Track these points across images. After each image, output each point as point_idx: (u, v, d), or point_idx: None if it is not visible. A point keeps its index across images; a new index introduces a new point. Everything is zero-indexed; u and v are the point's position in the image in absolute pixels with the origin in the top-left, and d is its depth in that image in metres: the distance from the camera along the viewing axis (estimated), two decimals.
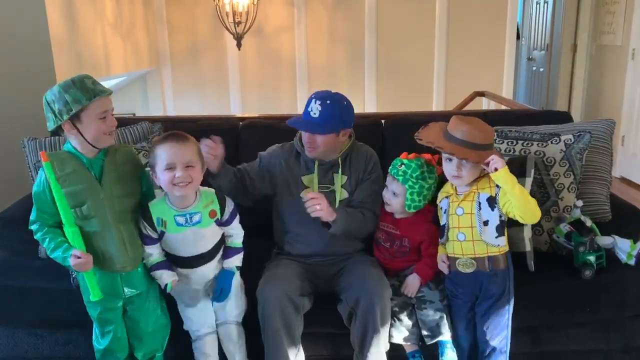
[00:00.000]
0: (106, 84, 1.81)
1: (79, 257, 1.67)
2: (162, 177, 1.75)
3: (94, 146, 1.74)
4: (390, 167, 2.06)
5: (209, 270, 1.92)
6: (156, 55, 5.43)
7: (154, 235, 1.84)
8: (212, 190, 1.89)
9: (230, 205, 1.89)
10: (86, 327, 1.96)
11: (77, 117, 1.69)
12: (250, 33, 4.99)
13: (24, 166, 2.34)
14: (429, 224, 2.07)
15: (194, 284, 1.92)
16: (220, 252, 1.94)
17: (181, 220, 1.81)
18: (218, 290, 1.90)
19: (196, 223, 1.82)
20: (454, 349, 1.94)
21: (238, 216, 1.93)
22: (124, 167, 1.82)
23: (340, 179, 2.09)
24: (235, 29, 4.84)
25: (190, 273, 1.90)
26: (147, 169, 1.84)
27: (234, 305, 1.97)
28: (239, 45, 4.96)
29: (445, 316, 1.94)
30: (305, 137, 2.02)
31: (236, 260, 1.95)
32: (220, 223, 1.88)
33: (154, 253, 1.86)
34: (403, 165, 2.01)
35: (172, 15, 5.42)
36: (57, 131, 1.75)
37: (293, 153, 2.14)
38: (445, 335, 1.93)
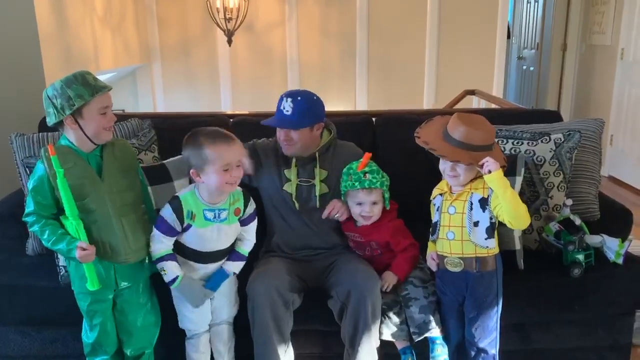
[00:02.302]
0: None
1: (84, 249, 1.69)
2: (217, 177, 1.76)
3: (92, 142, 1.77)
4: (352, 184, 2.01)
5: (212, 269, 1.93)
6: (146, 50, 5.39)
7: (178, 228, 1.83)
8: (239, 188, 1.91)
9: (251, 206, 1.93)
10: (74, 325, 1.96)
11: (79, 113, 1.72)
12: (241, 29, 4.97)
13: (11, 163, 2.31)
14: (392, 221, 2.07)
15: (199, 280, 1.92)
16: (225, 254, 1.96)
17: (210, 215, 1.83)
18: (208, 282, 1.90)
19: (223, 220, 1.85)
20: (445, 344, 1.95)
21: (256, 222, 1.96)
22: (123, 161, 1.85)
23: (319, 173, 2.12)
24: (226, 25, 4.81)
25: (200, 269, 1.91)
26: (192, 170, 1.80)
27: (230, 305, 1.98)
28: (229, 41, 4.94)
29: (432, 313, 1.95)
30: (282, 135, 2.07)
31: (236, 267, 1.96)
32: (241, 222, 1.91)
33: (165, 243, 1.85)
34: (367, 174, 2.01)
35: (162, 10, 5.39)
36: (56, 126, 1.77)
37: (274, 148, 2.20)
38: (434, 332, 1.93)
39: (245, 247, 1.98)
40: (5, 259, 2.23)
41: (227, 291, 1.97)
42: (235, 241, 1.95)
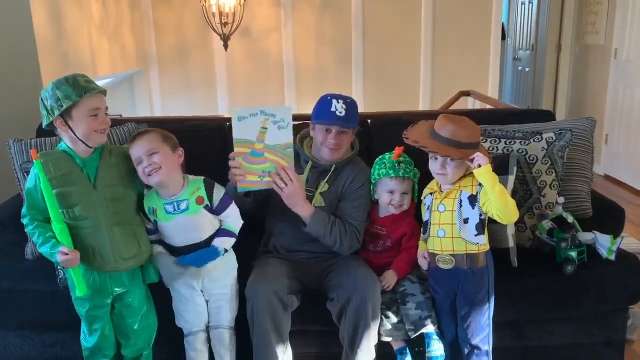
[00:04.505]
0: None
1: (66, 254, 1.69)
2: (139, 172, 1.84)
3: (86, 144, 1.77)
4: (386, 172, 2.05)
5: (205, 268, 1.92)
6: (143, 56, 5.41)
7: (149, 226, 1.92)
8: (201, 178, 1.93)
9: (219, 192, 1.91)
10: (74, 328, 1.97)
11: (68, 114, 1.73)
12: (237, 34, 5.00)
13: (10, 168, 2.33)
14: (411, 217, 2.11)
15: (189, 277, 1.93)
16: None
17: (170, 208, 1.87)
18: (188, 256, 1.87)
19: (184, 210, 1.87)
20: (440, 340, 1.96)
21: (234, 206, 1.94)
22: (119, 169, 1.86)
23: (322, 186, 2.12)
24: (222, 29, 4.84)
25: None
26: None
27: (229, 309, 1.99)
28: (226, 46, 4.96)
29: (428, 309, 1.96)
30: (332, 138, 2.05)
31: (224, 242, 1.92)
32: (213, 211, 1.91)
33: (151, 238, 1.96)
34: (402, 164, 2.05)
35: (159, 16, 5.41)
36: (52, 129, 1.79)
37: (296, 153, 2.17)
38: (429, 328, 1.95)
39: (233, 225, 1.94)
40: (4, 263, 2.23)
41: (226, 295, 1.98)
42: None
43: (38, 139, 2.32)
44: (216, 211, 1.91)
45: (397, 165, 2.05)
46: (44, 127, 1.79)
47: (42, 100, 1.75)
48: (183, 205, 1.87)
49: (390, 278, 2.03)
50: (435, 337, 1.96)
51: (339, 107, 2.02)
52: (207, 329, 2.01)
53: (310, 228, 2.04)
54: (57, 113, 1.71)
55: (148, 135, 1.85)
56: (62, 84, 1.72)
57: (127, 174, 1.88)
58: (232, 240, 1.95)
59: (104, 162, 1.82)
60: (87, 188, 1.77)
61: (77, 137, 1.76)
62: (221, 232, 1.94)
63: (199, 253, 1.88)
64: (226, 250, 1.94)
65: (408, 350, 2.00)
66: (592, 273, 2.10)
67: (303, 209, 2.02)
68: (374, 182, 2.11)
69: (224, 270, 1.99)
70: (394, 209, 2.09)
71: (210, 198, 1.89)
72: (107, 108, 1.82)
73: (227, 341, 1.99)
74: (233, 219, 1.95)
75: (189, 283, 1.95)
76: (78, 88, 1.72)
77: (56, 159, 1.76)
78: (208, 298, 1.98)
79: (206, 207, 1.89)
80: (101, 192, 1.79)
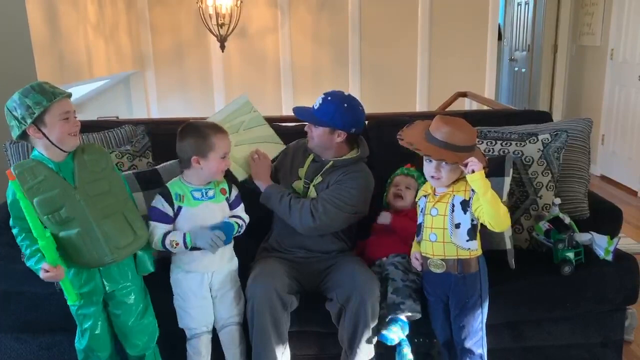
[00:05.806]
0: (89, 87, 1.84)
1: (47, 271, 1.70)
2: (216, 163, 1.92)
3: (60, 149, 1.76)
4: (397, 173, 2.28)
5: (216, 260, 1.95)
6: (139, 57, 5.40)
7: (170, 213, 1.92)
8: None
9: (235, 189, 2.05)
10: (70, 331, 1.96)
11: (40, 120, 1.71)
12: (234, 35, 4.99)
13: (5, 170, 2.32)
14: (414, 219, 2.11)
15: (198, 271, 1.95)
16: (229, 247, 2.01)
17: (197, 194, 1.95)
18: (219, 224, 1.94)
19: (211, 197, 1.96)
20: (403, 329, 1.94)
21: (243, 205, 2.06)
22: (94, 165, 1.84)
23: (316, 178, 2.14)
24: (218, 30, 4.84)
25: (204, 257, 1.93)
26: (194, 157, 1.90)
27: (235, 304, 2.00)
28: (222, 47, 4.96)
29: (403, 296, 1.96)
30: (306, 126, 2.14)
31: (235, 219, 2.00)
32: (229, 204, 2.01)
33: (162, 228, 1.91)
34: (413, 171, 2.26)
35: (155, 17, 5.40)
36: (22, 140, 1.77)
37: (302, 147, 2.24)
38: (400, 315, 1.94)
39: (242, 215, 2.04)
40: (0, 265, 2.23)
41: (232, 289, 2.00)
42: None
43: None
44: (232, 205, 2.02)
45: (404, 168, 2.27)
46: (14, 138, 1.76)
47: (9, 111, 1.72)
48: (210, 193, 1.96)
49: (383, 215, 2.16)
50: (399, 324, 1.94)
51: (317, 101, 2.11)
52: (212, 332, 2.01)
53: (263, 197, 2.13)
54: (29, 121, 1.69)
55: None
56: (29, 92, 1.71)
57: (105, 168, 1.86)
58: (242, 222, 2.03)
59: (78, 160, 1.80)
60: (68, 189, 1.76)
61: (51, 142, 1.74)
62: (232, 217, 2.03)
63: (221, 223, 1.94)
64: (238, 227, 1.99)
65: (408, 342, 1.99)
66: (590, 273, 2.11)
67: (262, 181, 2.14)
68: (388, 185, 2.29)
69: (228, 263, 2.02)
70: (394, 200, 2.22)
71: (230, 192, 2.02)
72: (74, 111, 1.81)
73: (237, 338, 2.00)
74: (242, 214, 2.06)
75: (196, 277, 1.96)
76: (46, 94, 1.71)
77: (31, 167, 1.74)
78: (215, 294, 1.99)
79: (226, 199, 2.00)
80: (83, 191, 1.77)
